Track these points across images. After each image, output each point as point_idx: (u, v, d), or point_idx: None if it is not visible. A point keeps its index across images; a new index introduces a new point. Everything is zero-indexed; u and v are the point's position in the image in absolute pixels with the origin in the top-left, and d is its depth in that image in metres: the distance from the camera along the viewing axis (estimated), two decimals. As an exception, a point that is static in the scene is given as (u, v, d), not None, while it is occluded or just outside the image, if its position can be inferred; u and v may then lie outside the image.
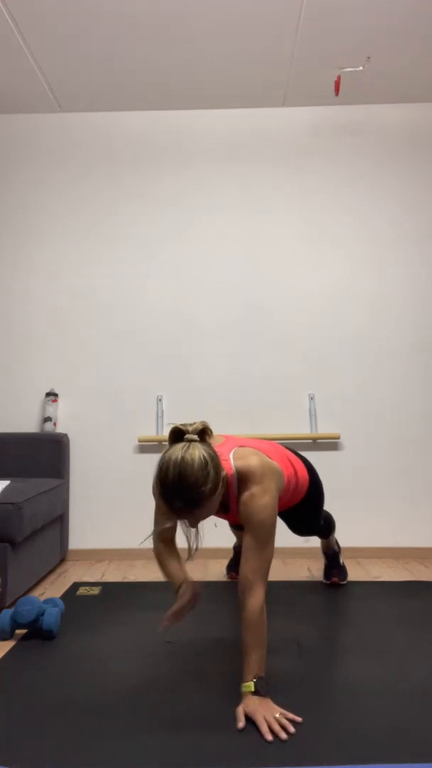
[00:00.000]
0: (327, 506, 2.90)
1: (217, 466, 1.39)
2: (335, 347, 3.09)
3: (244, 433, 2.99)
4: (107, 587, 2.41)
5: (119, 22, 2.57)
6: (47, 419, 2.98)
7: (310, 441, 3.02)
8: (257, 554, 1.45)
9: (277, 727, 1.27)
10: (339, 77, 2.89)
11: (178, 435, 1.42)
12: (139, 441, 3.00)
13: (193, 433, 1.41)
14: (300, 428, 3.02)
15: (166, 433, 3.00)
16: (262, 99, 3.17)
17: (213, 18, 2.56)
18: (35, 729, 1.30)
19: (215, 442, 1.61)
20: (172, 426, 1.43)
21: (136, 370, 3.10)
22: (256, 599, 1.42)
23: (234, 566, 2.53)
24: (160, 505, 1.59)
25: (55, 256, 3.19)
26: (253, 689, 1.35)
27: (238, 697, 1.38)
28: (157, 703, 1.41)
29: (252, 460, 1.55)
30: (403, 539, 2.94)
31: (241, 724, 1.29)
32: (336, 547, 2.44)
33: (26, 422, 3.07)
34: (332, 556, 2.43)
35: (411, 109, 3.23)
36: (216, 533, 2.73)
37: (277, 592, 2.30)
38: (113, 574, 2.66)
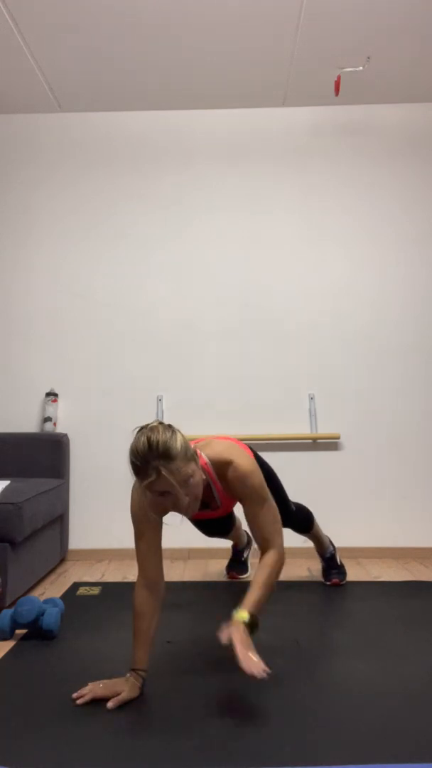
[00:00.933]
0: (326, 505, 2.90)
1: (184, 436, 1.45)
2: (335, 347, 3.09)
3: (245, 433, 2.99)
4: (107, 587, 2.41)
5: (119, 22, 2.57)
6: (47, 419, 2.98)
7: (310, 441, 3.02)
8: (264, 514, 1.55)
9: (259, 668, 1.28)
10: (339, 77, 2.89)
11: (141, 429, 1.48)
12: (139, 441, 2.99)
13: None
14: (300, 428, 3.02)
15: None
16: (262, 99, 3.17)
17: (213, 18, 2.56)
18: (35, 729, 1.30)
19: None
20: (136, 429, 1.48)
21: (136, 370, 3.10)
22: (274, 548, 1.53)
23: (233, 566, 2.54)
24: (138, 515, 1.54)
25: (55, 256, 3.19)
26: (246, 620, 1.40)
27: (239, 697, 1.38)
28: (157, 703, 1.41)
29: (216, 445, 1.65)
30: (403, 539, 2.94)
31: (225, 640, 1.34)
32: (332, 548, 2.44)
33: (26, 422, 3.07)
34: (329, 557, 2.43)
35: (411, 109, 3.23)
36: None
37: (277, 592, 2.29)
38: (113, 574, 2.66)
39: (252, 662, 1.29)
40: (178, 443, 1.40)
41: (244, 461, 1.58)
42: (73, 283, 3.16)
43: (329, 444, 3.02)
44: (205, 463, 1.62)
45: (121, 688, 1.43)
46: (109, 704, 1.39)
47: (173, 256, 3.17)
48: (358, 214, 3.17)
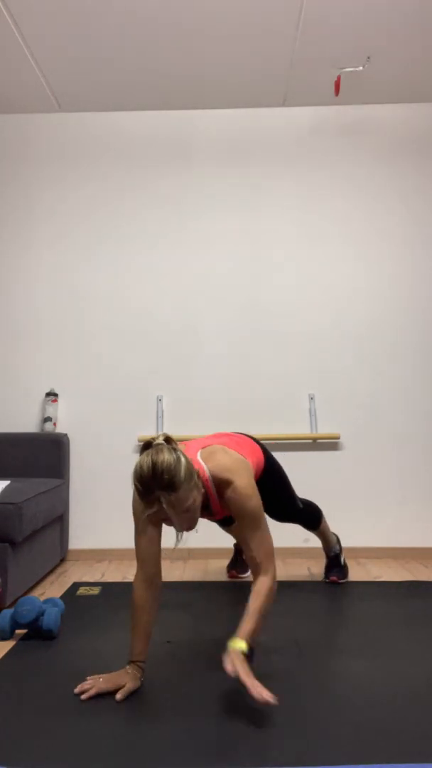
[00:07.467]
0: (326, 505, 2.89)
1: (187, 458, 1.45)
2: (335, 347, 3.09)
3: (244, 432, 2.98)
4: (107, 587, 2.41)
5: (119, 22, 2.57)
6: (47, 419, 2.98)
7: (310, 441, 3.02)
8: (257, 537, 1.54)
9: (266, 694, 1.26)
10: (339, 77, 2.89)
11: (147, 445, 1.49)
12: (139, 441, 3.00)
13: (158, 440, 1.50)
14: (300, 428, 3.02)
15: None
16: (262, 99, 3.17)
17: (213, 18, 2.56)
18: (35, 729, 1.30)
19: None
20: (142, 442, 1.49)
21: (136, 370, 3.10)
22: (267, 575, 1.51)
23: (234, 565, 2.54)
24: (139, 512, 1.54)
25: (55, 256, 3.19)
26: (245, 650, 1.38)
27: (238, 697, 1.38)
28: (156, 703, 1.41)
29: (220, 457, 1.63)
30: (403, 539, 2.94)
31: (230, 667, 1.31)
32: (337, 548, 2.45)
33: (26, 422, 3.07)
34: (334, 556, 2.45)
35: (411, 109, 3.23)
36: (216, 533, 2.73)
37: (278, 592, 2.30)
38: (113, 574, 2.66)
39: (263, 689, 1.27)
40: (183, 471, 1.40)
41: (245, 483, 1.56)
42: (73, 282, 3.16)
43: (329, 444, 3.02)
44: (207, 479, 1.61)
45: (123, 680, 1.45)
46: (118, 696, 1.41)
47: (173, 256, 3.17)
48: (358, 214, 3.17)
